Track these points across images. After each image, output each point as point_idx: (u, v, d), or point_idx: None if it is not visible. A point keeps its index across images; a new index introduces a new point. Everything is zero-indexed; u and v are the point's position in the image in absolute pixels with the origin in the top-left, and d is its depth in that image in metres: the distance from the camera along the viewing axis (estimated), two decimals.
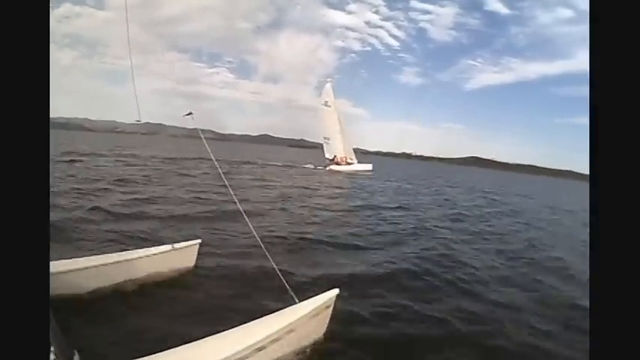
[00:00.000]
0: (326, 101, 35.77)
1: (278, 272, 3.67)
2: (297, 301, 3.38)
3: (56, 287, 3.46)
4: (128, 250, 4.74)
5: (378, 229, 9.29)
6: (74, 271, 3.89)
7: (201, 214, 8.97)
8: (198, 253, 5.03)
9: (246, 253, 5.97)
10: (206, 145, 4.20)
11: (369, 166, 35.18)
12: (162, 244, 4.79)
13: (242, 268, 5.34)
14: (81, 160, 20.05)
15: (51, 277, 2.98)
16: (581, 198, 33.08)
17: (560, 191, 49.87)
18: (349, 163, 34.65)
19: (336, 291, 3.47)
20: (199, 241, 5.01)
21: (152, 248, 4.64)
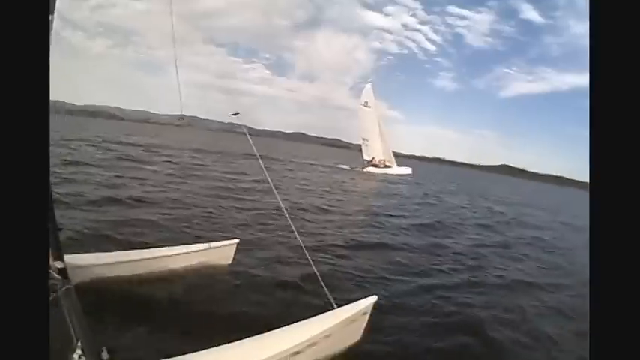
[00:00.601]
0: (366, 102, 35.21)
1: (319, 276, 3.59)
2: (335, 306, 3.36)
3: (94, 278, 3.77)
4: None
5: None
6: (113, 264, 4.08)
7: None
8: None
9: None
10: (252, 146, 4.23)
11: (408, 170, 34.19)
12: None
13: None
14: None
15: (91, 269, 3.54)
16: None
17: None
18: (387, 167, 33.90)
19: (374, 298, 3.50)
20: (237, 240, 5.06)
21: (190, 245, 4.76)
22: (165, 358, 2.52)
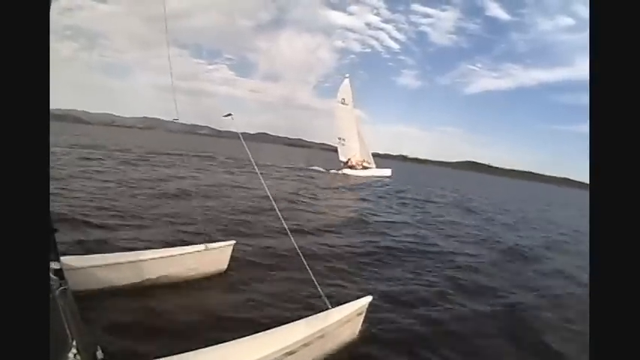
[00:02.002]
0: (343, 99, 32.80)
1: (312, 277, 3.52)
2: (329, 306, 3.37)
3: (86, 281, 3.80)
4: None
5: None
6: (104, 266, 4.00)
7: None
8: None
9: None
10: (247, 150, 4.36)
11: (387, 171, 31.86)
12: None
13: None
14: None
15: (84, 271, 3.78)
16: None
17: None
18: (365, 168, 31.73)
19: (369, 298, 3.56)
20: (233, 242, 4.99)
21: (185, 247, 4.70)
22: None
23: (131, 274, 4.12)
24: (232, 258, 5.00)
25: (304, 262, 3.63)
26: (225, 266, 4.93)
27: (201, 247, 4.65)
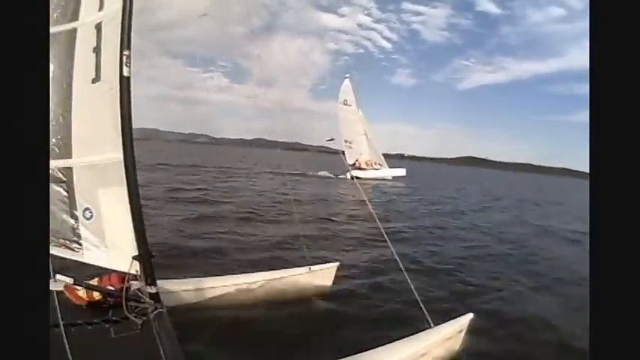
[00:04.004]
0: (345, 100, 31.39)
1: (417, 297, 3.57)
2: (432, 325, 3.36)
3: (193, 301, 3.98)
4: None
5: None
6: (208, 289, 4.11)
7: None
8: None
9: None
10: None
11: (401, 171, 30.14)
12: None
13: None
14: None
15: (191, 293, 4.00)
16: None
17: None
18: (376, 169, 30.04)
19: (470, 316, 3.53)
20: (337, 263, 4.93)
21: (289, 270, 4.71)
22: None
23: (234, 297, 4.23)
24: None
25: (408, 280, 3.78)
26: (329, 286, 4.93)
27: (305, 269, 4.71)
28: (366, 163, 30.49)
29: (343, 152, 31.58)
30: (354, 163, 30.40)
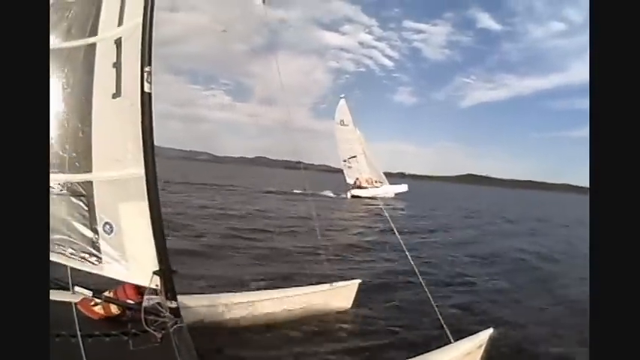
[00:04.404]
0: (342, 120, 31.56)
1: (436, 310, 3.60)
2: (452, 340, 3.35)
3: (213, 318, 3.96)
4: None
5: None
6: (231, 304, 4.11)
7: None
8: None
9: None
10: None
11: (402, 187, 29.94)
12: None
13: None
14: None
15: (210, 309, 3.98)
16: None
17: None
18: (376, 187, 30.06)
19: (489, 331, 3.50)
20: (359, 281, 4.97)
21: (311, 286, 4.75)
22: None
23: (257, 313, 4.22)
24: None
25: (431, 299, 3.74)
26: (350, 304, 4.94)
27: (327, 286, 4.73)
28: (367, 181, 30.48)
29: (337, 170, 31.89)
30: (355, 182, 30.63)
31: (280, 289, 4.68)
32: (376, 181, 30.64)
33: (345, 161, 31.65)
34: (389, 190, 29.57)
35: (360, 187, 29.85)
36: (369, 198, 27.18)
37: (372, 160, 31.49)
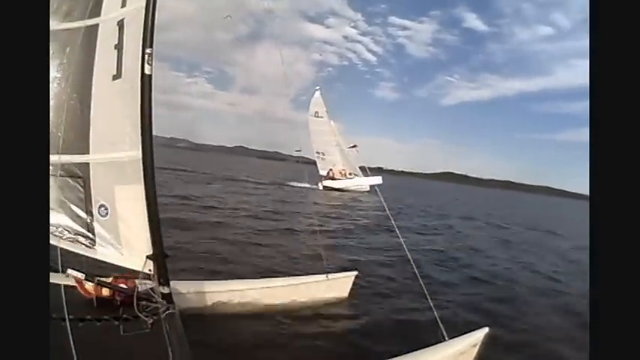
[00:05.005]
0: (316, 112, 31.17)
1: (434, 311, 3.52)
2: (446, 338, 3.35)
3: (207, 304, 3.98)
4: None
5: None
6: (228, 292, 4.15)
7: None
8: None
9: None
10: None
11: (376, 179, 27.87)
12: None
13: None
14: None
15: (206, 295, 3.98)
16: None
17: None
18: (350, 178, 29.73)
19: (485, 330, 3.47)
20: (355, 273, 5.06)
21: (309, 277, 4.80)
22: None
23: (255, 301, 4.28)
24: None
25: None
26: (346, 295, 5.03)
27: (323, 277, 4.78)
28: (340, 172, 30.27)
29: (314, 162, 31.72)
30: (328, 173, 30.44)
31: (280, 278, 4.75)
32: (350, 174, 30.37)
33: (318, 153, 31.42)
34: (362, 183, 29.28)
35: (332, 179, 29.67)
36: (341, 190, 27.15)
37: (346, 152, 31.19)
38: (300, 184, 27.45)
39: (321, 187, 28.27)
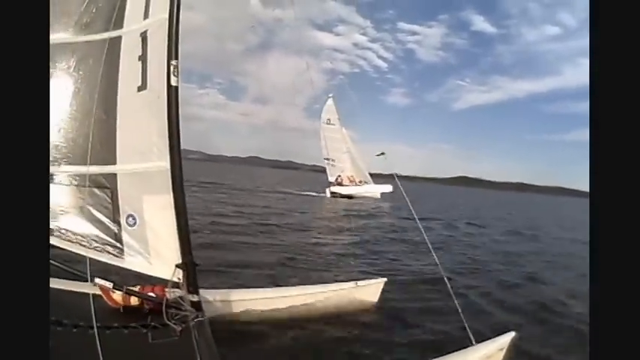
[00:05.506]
0: (328, 119, 31.48)
1: (461, 314, 3.51)
2: (473, 343, 3.33)
3: (234, 313, 3.93)
4: None
5: None
6: (255, 300, 4.11)
7: None
8: None
9: None
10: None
11: (386, 187, 28.10)
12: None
13: None
14: None
15: (232, 304, 3.94)
16: None
17: None
18: (358, 185, 29.53)
19: (511, 334, 3.40)
20: (384, 279, 4.97)
21: (334, 284, 4.80)
22: None
23: (283, 309, 4.23)
24: None
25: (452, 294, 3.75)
26: (375, 302, 4.89)
27: (352, 284, 4.72)
28: (349, 179, 30.05)
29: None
30: (336, 179, 30.21)
31: (306, 286, 4.73)
32: (360, 181, 30.27)
33: (327, 159, 31.48)
34: (372, 190, 29.10)
35: (340, 185, 29.58)
36: (349, 197, 27.36)
37: (357, 159, 31.26)
38: (310, 193, 27.81)
39: (328, 194, 28.18)
